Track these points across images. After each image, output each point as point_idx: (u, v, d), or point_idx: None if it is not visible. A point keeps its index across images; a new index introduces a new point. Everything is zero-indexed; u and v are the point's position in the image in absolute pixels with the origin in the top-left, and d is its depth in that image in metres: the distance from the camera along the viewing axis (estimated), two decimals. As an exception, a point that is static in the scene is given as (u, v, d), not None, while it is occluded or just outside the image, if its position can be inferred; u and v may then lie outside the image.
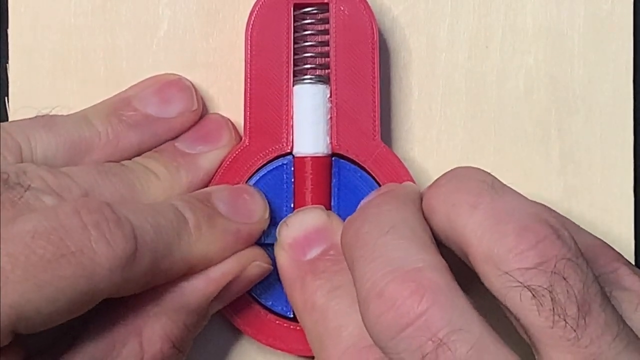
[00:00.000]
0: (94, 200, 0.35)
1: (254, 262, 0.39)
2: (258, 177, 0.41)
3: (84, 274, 0.33)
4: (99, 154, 0.39)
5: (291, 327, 0.41)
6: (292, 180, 0.41)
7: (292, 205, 0.41)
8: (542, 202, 0.41)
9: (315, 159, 0.41)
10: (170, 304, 0.37)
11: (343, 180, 0.41)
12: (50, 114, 0.40)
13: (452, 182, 0.36)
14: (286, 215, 0.40)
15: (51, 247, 0.33)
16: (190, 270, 0.37)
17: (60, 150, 0.38)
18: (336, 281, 0.37)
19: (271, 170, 0.41)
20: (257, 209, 0.39)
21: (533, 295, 0.32)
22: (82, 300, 0.33)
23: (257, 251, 0.39)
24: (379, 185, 0.41)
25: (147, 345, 0.36)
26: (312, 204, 0.41)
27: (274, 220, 0.41)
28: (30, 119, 0.39)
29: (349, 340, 0.36)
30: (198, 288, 0.37)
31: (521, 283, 0.32)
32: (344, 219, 0.40)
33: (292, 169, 0.41)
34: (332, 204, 0.41)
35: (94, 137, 0.39)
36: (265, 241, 0.40)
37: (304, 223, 0.39)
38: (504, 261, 0.33)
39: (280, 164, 0.41)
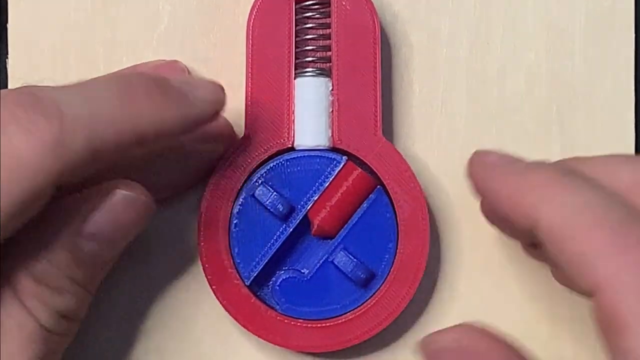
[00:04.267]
0: (12, 92, 0.33)
1: (116, 190, 0.37)
2: (304, 155, 0.41)
3: (13, 178, 0.32)
4: None
5: (291, 323, 0.41)
6: (331, 178, 0.41)
7: (315, 198, 0.41)
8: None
9: (362, 174, 0.41)
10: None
11: (370, 210, 0.41)
12: None
13: None
14: (304, 203, 0.40)
15: None
16: (145, 140, 0.36)
17: None
18: None
19: (314, 157, 0.41)
20: (210, 91, 0.38)
21: None
22: (27, 201, 0.32)
23: (123, 181, 0.37)
24: (396, 236, 0.41)
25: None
26: (333, 208, 0.41)
27: (292, 207, 0.41)
28: None
29: None
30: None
31: None
32: (347, 244, 0.41)
33: (338, 168, 0.41)
34: (348, 221, 0.41)
35: None
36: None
37: None
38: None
39: (328, 156, 0.41)
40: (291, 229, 0.41)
